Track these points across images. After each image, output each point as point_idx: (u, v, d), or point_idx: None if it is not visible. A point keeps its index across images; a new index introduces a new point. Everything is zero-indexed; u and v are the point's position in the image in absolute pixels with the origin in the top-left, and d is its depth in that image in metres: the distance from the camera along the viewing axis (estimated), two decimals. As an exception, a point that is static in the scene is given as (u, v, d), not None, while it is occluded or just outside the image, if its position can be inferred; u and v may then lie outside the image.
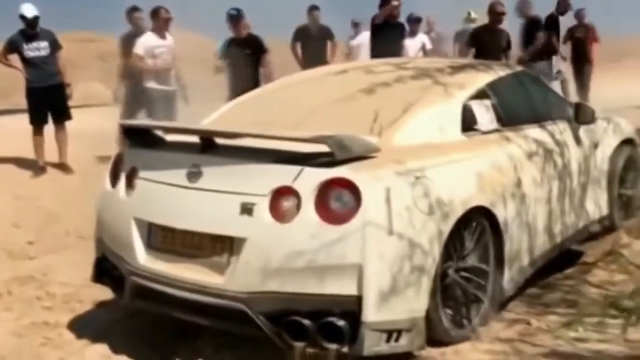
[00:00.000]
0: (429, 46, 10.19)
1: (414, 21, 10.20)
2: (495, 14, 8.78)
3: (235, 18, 8.31)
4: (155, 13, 8.07)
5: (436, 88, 4.05)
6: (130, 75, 8.20)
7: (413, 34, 10.13)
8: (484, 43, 8.64)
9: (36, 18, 7.74)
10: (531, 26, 9.53)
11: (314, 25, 9.67)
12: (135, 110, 8.10)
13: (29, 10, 7.72)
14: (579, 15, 11.10)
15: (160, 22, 8.05)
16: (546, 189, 4.27)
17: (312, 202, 3.14)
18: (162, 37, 8.07)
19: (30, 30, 7.74)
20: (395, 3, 8.25)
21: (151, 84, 7.99)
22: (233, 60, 8.30)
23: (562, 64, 10.55)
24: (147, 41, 8.00)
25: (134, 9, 8.60)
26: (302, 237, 3.12)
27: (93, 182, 6.86)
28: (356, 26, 10.85)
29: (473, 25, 10.53)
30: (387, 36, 8.38)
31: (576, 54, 11.02)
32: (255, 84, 7.41)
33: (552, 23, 10.16)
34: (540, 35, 9.41)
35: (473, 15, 10.82)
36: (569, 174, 4.58)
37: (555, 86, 8.99)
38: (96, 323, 4.21)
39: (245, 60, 8.15)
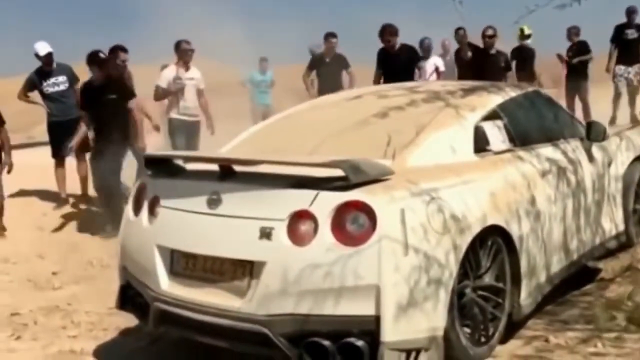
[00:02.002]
0: (442, 69, 10.19)
1: (427, 47, 10.24)
2: (485, 38, 9.40)
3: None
4: (177, 45, 8.20)
5: (448, 110, 4.13)
6: None
7: (426, 57, 10.16)
8: (480, 67, 9.02)
9: (50, 55, 7.94)
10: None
11: (329, 53, 9.56)
12: None
13: (42, 48, 7.93)
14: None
15: (182, 53, 8.17)
16: (560, 207, 4.31)
17: (329, 225, 3.22)
18: (186, 69, 8.20)
19: (47, 67, 7.94)
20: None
21: (173, 115, 8.15)
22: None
23: None
24: (168, 74, 8.16)
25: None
26: (320, 260, 3.19)
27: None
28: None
29: (529, 42, 10.79)
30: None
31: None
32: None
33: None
34: None
35: (527, 31, 10.81)
36: (583, 191, 4.63)
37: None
38: (121, 350, 4.30)
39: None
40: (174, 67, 8.20)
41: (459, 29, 10.10)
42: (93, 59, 7.29)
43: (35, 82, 7.99)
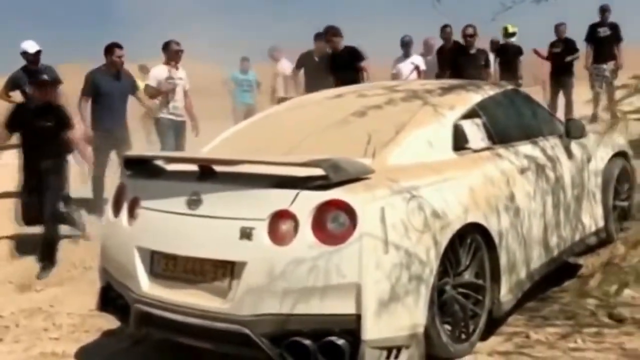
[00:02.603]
0: (422, 67, 10.15)
1: (407, 43, 10.21)
2: (465, 37, 9.59)
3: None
4: (166, 46, 8.19)
5: (427, 109, 4.15)
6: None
7: (406, 56, 10.20)
8: (460, 66, 9.21)
9: (38, 53, 7.88)
10: None
11: (318, 52, 9.41)
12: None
13: (31, 46, 7.85)
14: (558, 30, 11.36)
15: (172, 54, 8.19)
16: (540, 203, 4.35)
17: (309, 224, 3.23)
18: (174, 69, 8.22)
19: (33, 65, 7.86)
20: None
21: (162, 114, 8.14)
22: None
23: None
24: (158, 73, 8.16)
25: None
26: (301, 259, 3.20)
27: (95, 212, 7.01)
28: (276, 57, 11.17)
29: (513, 40, 10.84)
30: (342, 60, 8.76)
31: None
32: None
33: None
34: None
35: (511, 29, 10.85)
36: (563, 188, 4.67)
37: None
38: (102, 352, 4.29)
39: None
40: (165, 67, 8.19)
41: (445, 26, 10.08)
42: (34, 79, 6.73)
43: (20, 80, 7.89)
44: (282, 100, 6.58)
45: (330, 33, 8.88)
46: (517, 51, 10.88)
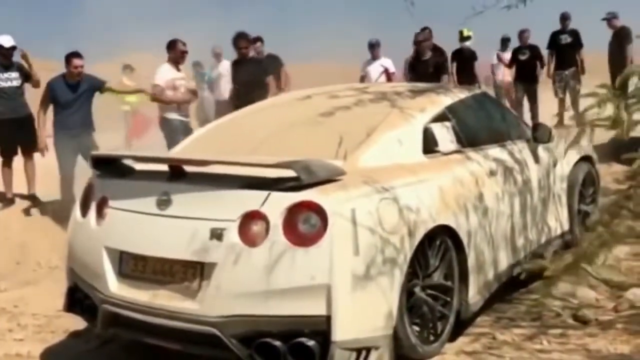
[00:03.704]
0: (392, 69, 10.13)
1: (374, 45, 10.15)
2: (416, 43, 9.53)
3: None
4: (172, 45, 8.00)
5: (398, 112, 4.18)
6: None
7: (374, 58, 10.13)
8: (416, 71, 9.30)
9: (13, 48, 7.75)
10: None
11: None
12: None
13: (7, 41, 7.71)
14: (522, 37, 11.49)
15: (177, 54, 8.01)
16: (507, 206, 4.41)
17: (280, 226, 3.23)
18: (178, 69, 8.09)
19: (6, 60, 7.74)
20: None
21: (172, 115, 7.91)
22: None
23: None
24: (165, 73, 7.97)
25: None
26: (271, 260, 3.20)
27: (62, 213, 6.93)
28: (217, 56, 10.88)
29: (468, 43, 10.95)
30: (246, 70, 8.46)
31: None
32: None
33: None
34: None
35: (466, 33, 10.97)
36: (530, 191, 4.74)
37: None
38: (69, 353, 4.24)
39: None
40: (170, 66, 8.02)
41: (424, 28, 9.84)
42: None
43: None
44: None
45: (242, 40, 8.51)
46: (472, 56, 11.00)
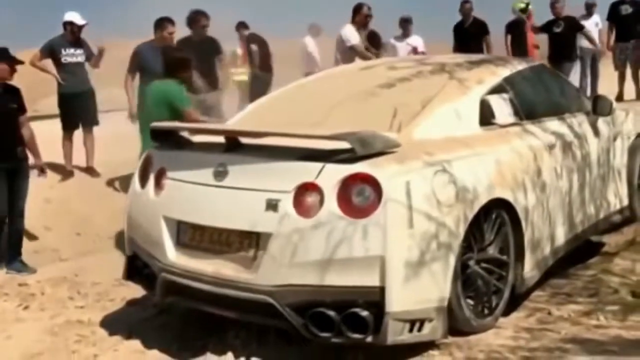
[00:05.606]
0: (421, 49, 9.66)
1: (405, 22, 9.86)
2: (461, 11, 10.02)
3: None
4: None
5: (454, 83, 4.13)
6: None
7: (405, 36, 9.82)
8: (459, 35, 9.99)
9: (82, 27, 7.92)
10: None
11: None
12: None
13: (79, 19, 7.90)
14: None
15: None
16: (565, 181, 4.32)
17: (335, 197, 3.24)
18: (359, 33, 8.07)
19: (74, 37, 7.90)
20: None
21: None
22: None
23: None
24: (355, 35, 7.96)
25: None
26: (326, 231, 3.21)
27: (120, 184, 7.10)
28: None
29: (524, 15, 10.39)
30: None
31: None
32: None
33: None
34: None
35: (520, 5, 10.33)
36: (588, 166, 4.64)
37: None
38: (128, 320, 4.34)
39: None
40: (353, 28, 8.00)
41: (465, 2, 9.93)
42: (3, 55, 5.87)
43: (57, 48, 7.92)
44: None
45: (203, 18, 7.52)
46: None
